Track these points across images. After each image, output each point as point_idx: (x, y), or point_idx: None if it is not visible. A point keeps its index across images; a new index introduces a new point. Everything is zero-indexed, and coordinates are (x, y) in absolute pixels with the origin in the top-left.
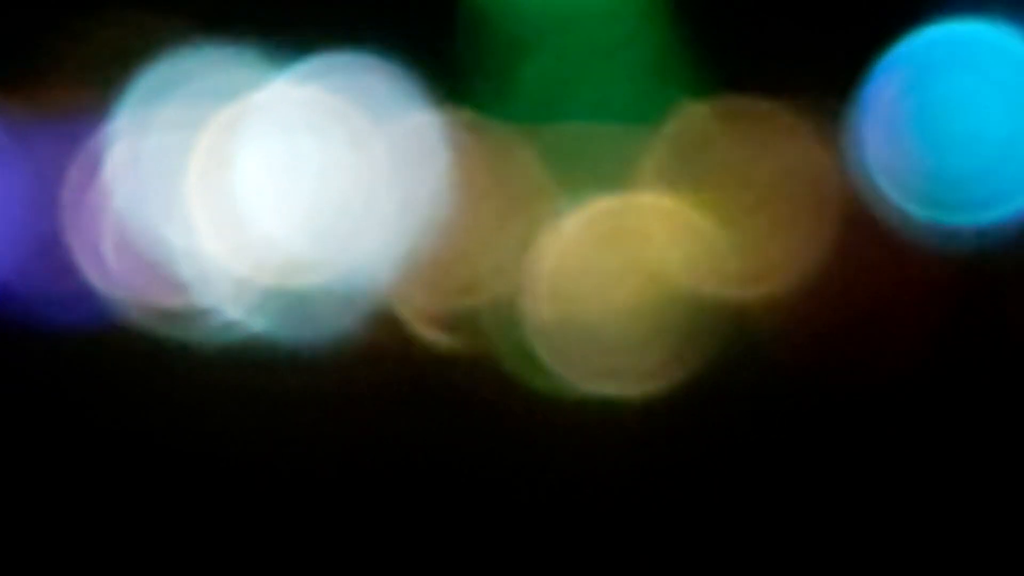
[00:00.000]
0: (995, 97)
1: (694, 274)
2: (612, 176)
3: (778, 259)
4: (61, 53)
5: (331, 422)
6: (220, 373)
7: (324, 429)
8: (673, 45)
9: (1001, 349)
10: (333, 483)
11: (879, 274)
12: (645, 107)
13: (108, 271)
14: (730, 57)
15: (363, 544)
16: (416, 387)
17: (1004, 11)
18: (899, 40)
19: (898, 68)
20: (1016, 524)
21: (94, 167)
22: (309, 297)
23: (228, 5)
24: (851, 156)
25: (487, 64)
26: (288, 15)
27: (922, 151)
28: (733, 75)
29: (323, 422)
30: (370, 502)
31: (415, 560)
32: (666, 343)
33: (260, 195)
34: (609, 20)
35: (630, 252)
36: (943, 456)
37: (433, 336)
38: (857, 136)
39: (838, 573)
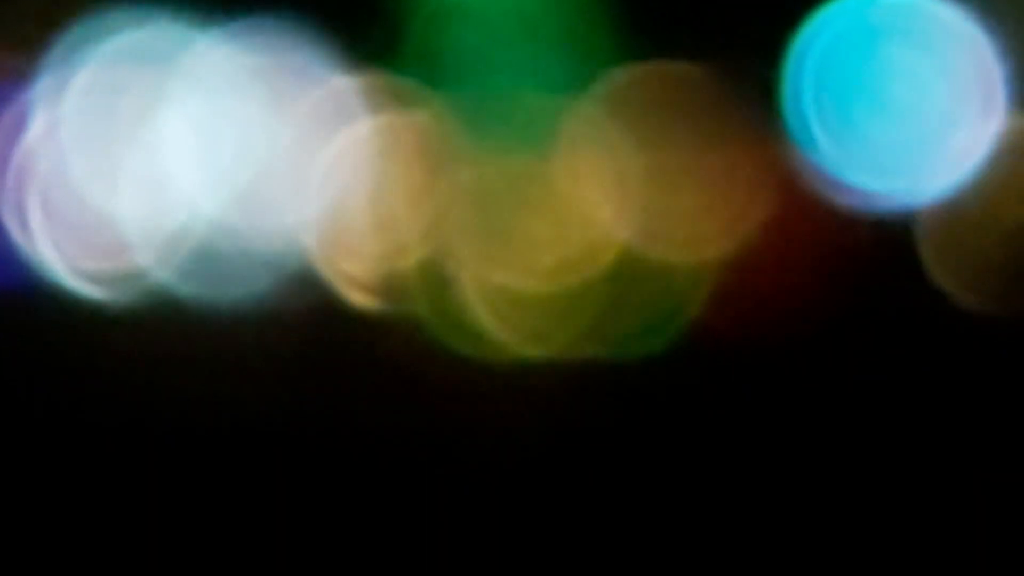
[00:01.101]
0: (925, 64)
1: (620, 239)
2: (537, 141)
3: (707, 224)
4: None
5: (255, 385)
6: (143, 335)
7: (248, 392)
8: (599, 11)
9: (923, 316)
10: (256, 447)
11: (807, 240)
12: (570, 73)
13: (32, 234)
14: (657, 23)
15: (281, 508)
16: (340, 350)
17: None
18: (828, 5)
19: (826, 34)
20: (937, 489)
21: (17, 130)
22: (233, 260)
23: None
24: (779, 122)
25: (410, 28)
26: None
27: (850, 117)
28: (660, 41)
29: (247, 385)
30: (296, 466)
31: (333, 525)
32: (591, 307)
33: (182, 158)
34: None
35: (554, 215)
36: (866, 420)
37: (358, 299)
38: (786, 102)
39: (756, 540)
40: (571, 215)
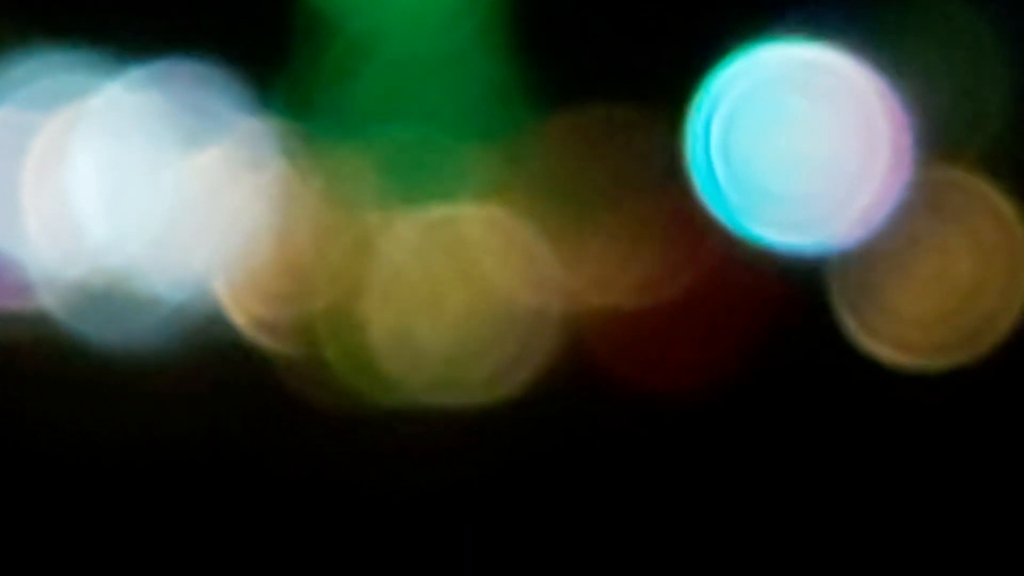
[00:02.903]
0: (833, 117)
1: (528, 285)
2: (447, 187)
3: (612, 271)
4: None
5: (162, 428)
6: (48, 377)
7: (155, 435)
8: (511, 56)
9: (834, 368)
10: (161, 490)
11: (711, 287)
12: (482, 118)
13: None
14: (567, 69)
15: (187, 548)
16: (249, 394)
17: (840, 32)
18: (735, 56)
19: (735, 86)
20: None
21: None
22: (142, 302)
23: (62, 9)
24: (686, 170)
25: (322, 72)
26: (123, 20)
27: (757, 170)
28: (570, 87)
29: (154, 428)
30: (201, 508)
31: (240, 566)
32: (499, 354)
33: (93, 200)
34: (447, 31)
35: (463, 263)
36: (771, 474)
37: (266, 343)
38: (692, 150)
39: None
40: (478, 262)
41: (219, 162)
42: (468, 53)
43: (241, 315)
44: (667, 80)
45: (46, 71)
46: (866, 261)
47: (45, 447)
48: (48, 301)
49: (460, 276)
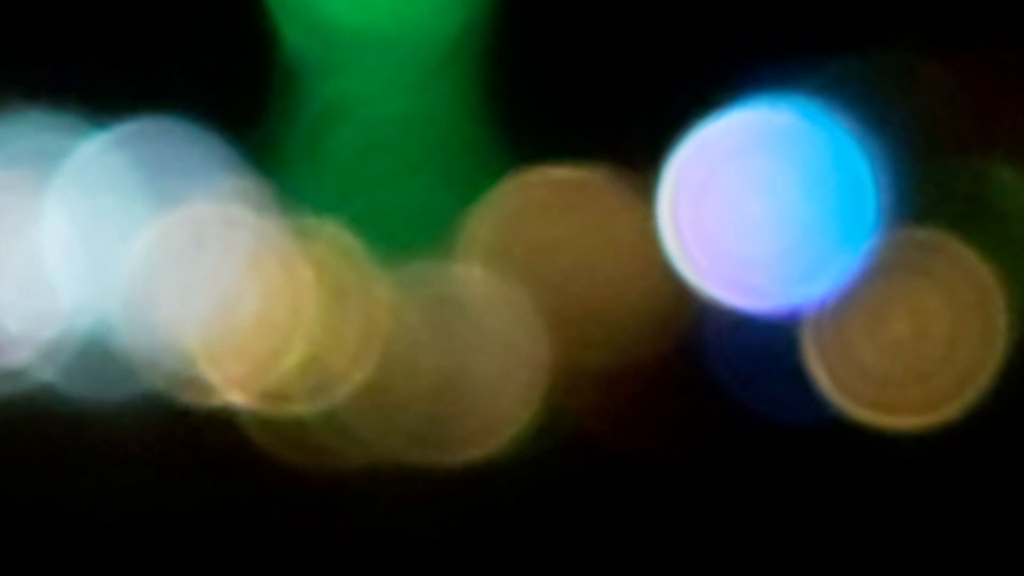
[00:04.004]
0: (801, 179)
1: (507, 343)
2: (422, 245)
3: (585, 331)
4: None
5: (137, 484)
6: (26, 432)
7: (130, 491)
8: (486, 115)
9: (805, 425)
10: (137, 545)
11: (684, 349)
12: (456, 177)
13: None
14: (541, 129)
15: None
16: (222, 451)
17: (811, 94)
18: (708, 118)
19: (704, 148)
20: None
21: None
22: (116, 361)
23: (38, 69)
24: (660, 230)
25: (297, 131)
26: (99, 79)
27: (724, 231)
28: (544, 147)
29: (130, 485)
30: (178, 564)
31: None
32: (480, 412)
33: (68, 259)
34: (422, 90)
35: (440, 321)
36: (749, 522)
37: (239, 400)
38: (663, 212)
39: None
40: (457, 321)
41: (195, 220)
42: (443, 112)
43: (215, 373)
44: (639, 142)
45: (22, 131)
46: (838, 322)
47: (15, 507)
48: (21, 359)
49: (435, 334)
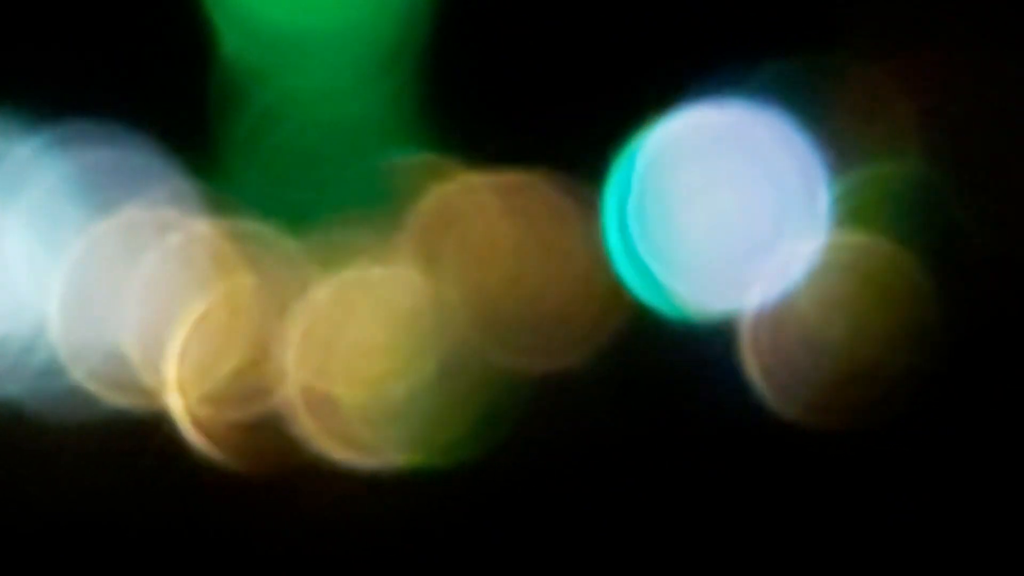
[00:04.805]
0: (746, 180)
1: (444, 347)
2: (362, 250)
3: (531, 335)
4: None
5: (104, 503)
6: None
7: (98, 510)
8: (427, 120)
9: (745, 428)
10: (112, 565)
11: (622, 350)
12: (397, 181)
13: None
14: (484, 133)
15: None
16: (159, 455)
17: (754, 96)
18: (652, 121)
19: (646, 150)
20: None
21: None
22: (53, 365)
23: None
24: (599, 234)
25: (235, 135)
26: (35, 82)
27: (664, 233)
28: (486, 151)
29: (65, 489)
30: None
31: None
32: (419, 415)
33: (2, 263)
34: (362, 95)
35: (380, 327)
36: (688, 527)
37: (178, 405)
38: (605, 215)
39: None
40: (398, 326)
41: (132, 224)
42: (383, 116)
43: (153, 378)
44: (579, 146)
45: None
46: (776, 324)
47: None
48: None
49: (374, 339)
